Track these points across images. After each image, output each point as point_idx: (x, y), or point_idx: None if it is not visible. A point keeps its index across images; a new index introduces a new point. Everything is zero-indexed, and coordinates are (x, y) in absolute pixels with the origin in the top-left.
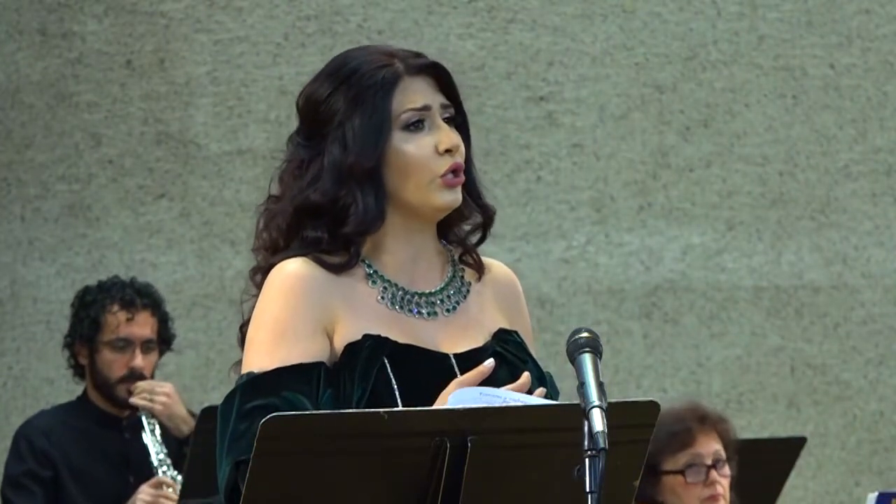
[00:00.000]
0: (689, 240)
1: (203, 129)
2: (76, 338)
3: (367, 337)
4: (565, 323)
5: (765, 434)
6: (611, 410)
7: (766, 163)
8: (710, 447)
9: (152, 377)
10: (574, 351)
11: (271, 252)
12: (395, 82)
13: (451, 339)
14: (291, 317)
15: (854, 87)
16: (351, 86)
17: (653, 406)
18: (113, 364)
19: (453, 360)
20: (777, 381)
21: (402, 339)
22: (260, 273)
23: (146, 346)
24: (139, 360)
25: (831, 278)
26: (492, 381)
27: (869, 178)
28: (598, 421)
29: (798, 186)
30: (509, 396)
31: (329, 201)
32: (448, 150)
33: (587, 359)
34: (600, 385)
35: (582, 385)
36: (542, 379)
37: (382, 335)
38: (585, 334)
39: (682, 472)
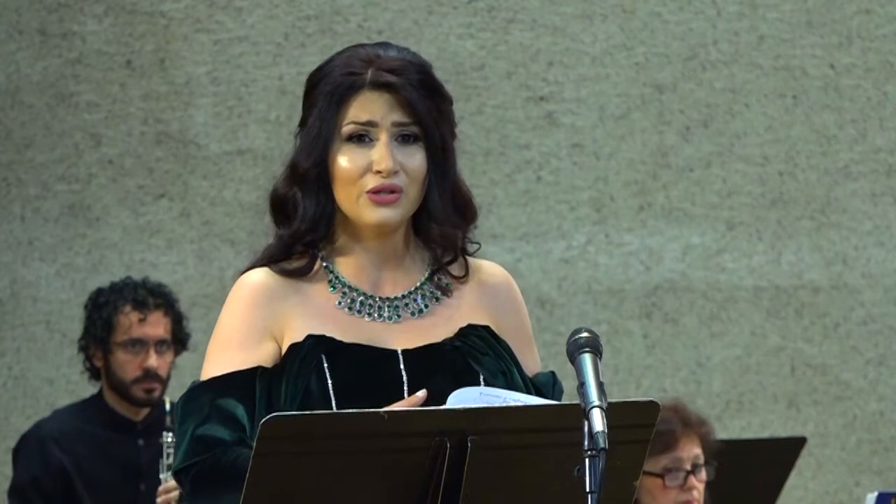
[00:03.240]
0: (689, 240)
1: (203, 129)
2: (90, 340)
3: (309, 337)
4: (565, 323)
5: (765, 434)
6: (611, 410)
7: (766, 163)
8: (691, 451)
9: (168, 377)
10: (574, 351)
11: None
12: (352, 93)
13: (408, 337)
14: (238, 326)
15: (854, 87)
16: (322, 85)
17: (653, 406)
18: (127, 365)
19: (400, 356)
20: (777, 381)
21: (348, 339)
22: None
23: (160, 346)
24: (153, 361)
25: (831, 278)
26: (449, 375)
27: (869, 178)
28: (598, 421)
29: (798, 186)
30: (509, 396)
31: (282, 197)
32: (379, 171)
33: (587, 359)
34: (600, 385)
35: (582, 385)
36: (505, 373)
37: (327, 335)
38: (585, 334)
39: (661, 476)
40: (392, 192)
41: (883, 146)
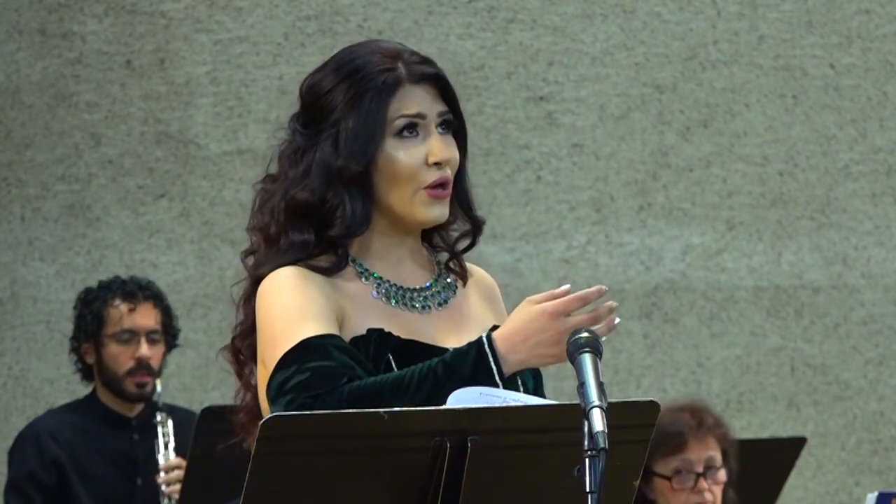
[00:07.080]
0: (689, 240)
1: (203, 129)
2: (81, 337)
3: (371, 331)
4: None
5: (765, 434)
6: (611, 410)
7: (766, 163)
8: (703, 454)
9: (161, 370)
10: (574, 351)
11: (264, 236)
12: (395, 88)
13: (447, 333)
14: (303, 303)
15: (854, 87)
16: (351, 84)
17: (653, 406)
18: (119, 357)
19: None
20: (777, 381)
21: (403, 334)
22: (252, 258)
23: (151, 336)
24: (145, 350)
25: (831, 278)
26: None
27: (869, 178)
28: (598, 421)
29: (798, 186)
30: (509, 396)
31: (317, 200)
32: (437, 163)
33: (587, 359)
34: (600, 385)
35: (582, 385)
36: (535, 376)
37: (385, 329)
38: (585, 334)
39: (669, 478)
40: (445, 186)
41: (883, 146)
